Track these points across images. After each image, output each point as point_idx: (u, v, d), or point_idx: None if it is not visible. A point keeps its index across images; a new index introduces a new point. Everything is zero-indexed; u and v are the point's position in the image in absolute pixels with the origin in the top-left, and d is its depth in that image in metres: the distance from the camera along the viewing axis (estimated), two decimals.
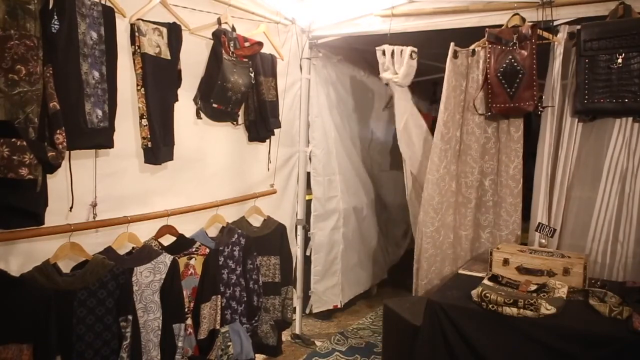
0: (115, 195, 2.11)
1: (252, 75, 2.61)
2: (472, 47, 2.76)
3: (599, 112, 2.41)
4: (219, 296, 2.38)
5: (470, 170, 2.82)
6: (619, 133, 2.39)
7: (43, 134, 1.61)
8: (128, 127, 2.11)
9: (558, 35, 2.50)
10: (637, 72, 2.25)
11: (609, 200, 2.43)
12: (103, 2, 1.89)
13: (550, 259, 2.23)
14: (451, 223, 2.90)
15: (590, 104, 2.38)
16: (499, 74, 2.56)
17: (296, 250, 3.52)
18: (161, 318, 2.04)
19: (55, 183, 1.81)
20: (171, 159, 2.26)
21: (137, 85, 2.08)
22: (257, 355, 2.72)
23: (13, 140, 1.47)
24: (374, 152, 4.50)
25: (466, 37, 2.75)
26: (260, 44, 2.62)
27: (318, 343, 3.45)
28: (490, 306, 1.93)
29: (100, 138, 1.87)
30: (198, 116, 2.49)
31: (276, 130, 2.99)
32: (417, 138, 3.14)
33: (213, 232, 2.61)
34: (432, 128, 3.01)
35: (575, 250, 2.44)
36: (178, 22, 2.26)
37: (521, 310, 1.87)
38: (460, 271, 2.53)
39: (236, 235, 2.59)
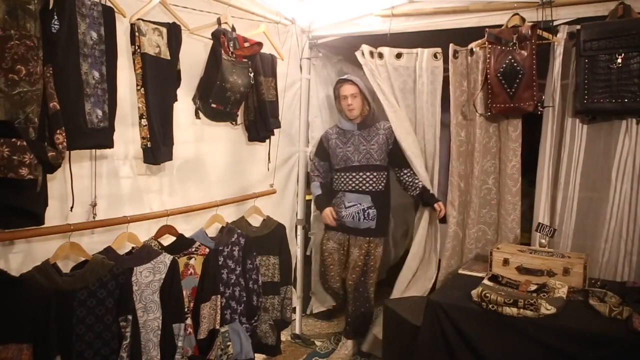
0: (115, 195, 2.11)
1: (252, 75, 2.61)
2: (470, 46, 2.76)
3: (599, 112, 2.41)
4: (219, 296, 2.38)
5: (472, 170, 2.83)
6: (626, 133, 2.39)
7: (43, 134, 1.61)
8: (127, 127, 2.11)
9: (558, 35, 2.50)
10: (636, 72, 2.26)
11: (620, 201, 2.42)
12: (103, 2, 1.89)
13: (550, 259, 2.23)
14: (461, 222, 2.96)
15: (590, 104, 2.38)
16: (498, 74, 2.56)
17: (296, 250, 3.52)
18: (161, 318, 2.04)
19: (55, 183, 1.81)
20: (170, 159, 2.26)
21: (137, 85, 2.08)
22: (256, 354, 2.72)
23: (13, 140, 1.47)
24: None
25: (467, 37, 2.75)
26: (259, 44, 2.61)
27: (318, 343, 3.45)
28: (490, 306, 1.93)
29: (100, 138, 1.87)
30: (197, 116, 2.49)
31: (276, 130, 2.99)
32: None
33: (212, 232, 2.61)
34: None
35: (585, 250, 2.43)
36: (178, 22, 2.26)
37: (521, 310, 1.88)
38: (460, 271, 2.53)
39: (236, 235, 2.59)
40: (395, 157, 3.07)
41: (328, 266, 3.28)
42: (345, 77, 3.14)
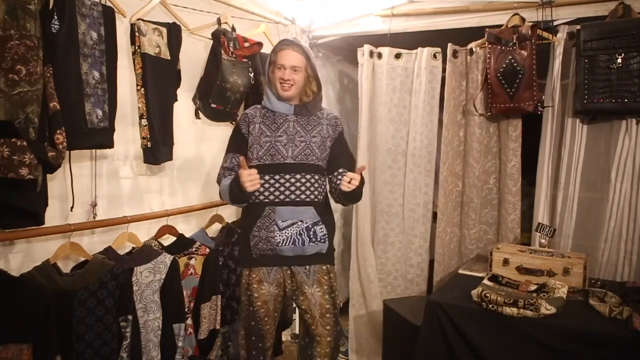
0: (115, 195, 2.11)
1: (252, 75, 2.62)
2: (470, 45, 2.76)
3: (599, 112, 2.41)
4: (219, 296, 2.38)
5: (472, 170, 2.83)
6: (626, 133, 2.39)
7: (43, 134, 1.62)
8: (127, 127, 2.11)
9: (558, 35, 2.50)
10: (636, 72, 2.25)
11: (620, 201, 2.42)
12: (103, 2, 1.89)
13: (550, 259, 2.23)
14: (458, 222, 2.96)
15: (590, 104, 2.38)
16: (498, 74, 2.56)
17: None
18: (161, 318, 2.04)
19: (55, 183, 1.81)
20: (170, 159, 2.26)
21: (137, 85, 2.08)
22: None
23: (13, 140, 1.47)
24: None
25: (467, 37, 2.75)
26: (259, 44, 2.62)
27: None
28: (490, 306, 1.93)
29: (100, 138, 1.87)
30: (197, 116, 2.49)
31: None
32: None
33: (213, 232, 2.61)
34: None
35: (585, 250, 2.43)
36: (178, 22, 2.26)
37: (521, 310, 1.87)
38: (460, 271, 2.53)
39: (236, 235, 2.59)
40: (335, 156, 2.19)
41: (261, 319, 2.11)
42: (291, 38, 2.20)
